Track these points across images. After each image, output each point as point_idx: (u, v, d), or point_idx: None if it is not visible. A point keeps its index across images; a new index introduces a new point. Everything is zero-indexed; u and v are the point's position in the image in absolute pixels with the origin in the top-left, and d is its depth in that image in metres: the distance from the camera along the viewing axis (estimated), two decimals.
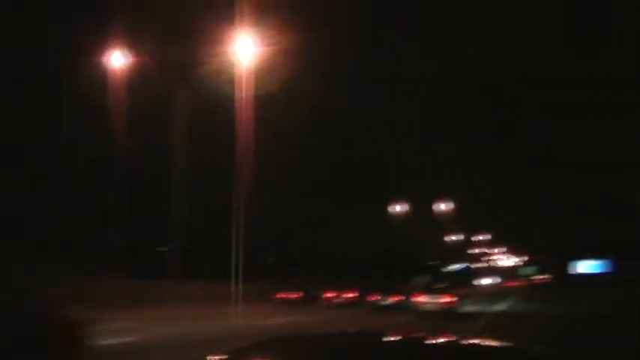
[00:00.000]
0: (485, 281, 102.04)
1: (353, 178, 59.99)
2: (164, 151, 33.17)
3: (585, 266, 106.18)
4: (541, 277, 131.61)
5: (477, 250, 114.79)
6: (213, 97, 30.41)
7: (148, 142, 35.06)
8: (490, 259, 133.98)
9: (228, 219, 28.86)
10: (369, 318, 29.39)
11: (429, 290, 33.17)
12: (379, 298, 36.20)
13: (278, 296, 40.21)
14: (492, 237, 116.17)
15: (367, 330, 4.55)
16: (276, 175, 39.77)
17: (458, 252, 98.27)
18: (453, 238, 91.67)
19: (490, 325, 23.17)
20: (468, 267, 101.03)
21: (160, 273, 32.47)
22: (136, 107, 31.43)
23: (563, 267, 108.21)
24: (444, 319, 25.76)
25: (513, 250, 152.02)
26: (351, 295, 40.08)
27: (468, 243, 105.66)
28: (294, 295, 40.59)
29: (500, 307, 36.04)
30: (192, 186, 35.21)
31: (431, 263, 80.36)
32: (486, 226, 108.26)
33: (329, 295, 40.75)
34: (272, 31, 28.44)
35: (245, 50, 28.34)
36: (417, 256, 71.60)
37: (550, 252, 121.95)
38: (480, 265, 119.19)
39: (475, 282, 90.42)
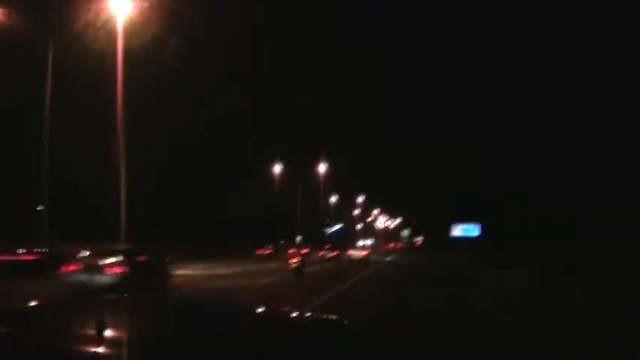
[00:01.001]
0: (368, 243, 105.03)
1: (227, 137, 59.26)
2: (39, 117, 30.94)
3: (459, 229, 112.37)
4: (418, 239, 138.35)
5: (356, 212, 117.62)
6: (86, 53, 29.08)
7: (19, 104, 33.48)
8: (369, 221, 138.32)
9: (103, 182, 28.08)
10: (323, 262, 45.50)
11: (354, 247, 54.11)
12: (325, 252, 53.18)
13: (257, 252, 52.00)
14: (369, 199, 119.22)
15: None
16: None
17: (338, 214, 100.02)
18: (333, 199, 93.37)
19: (384, 266, 40.44)
20: (345, 228, 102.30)
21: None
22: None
23: (438, 229, 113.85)
24: (364, 263, 43.60)
25: (390, 212, 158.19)
26: (304, 251, 51.71)
27: (347, 204, 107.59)
28: (267, 251, 52.89)
29: (388, 258, 55.71)
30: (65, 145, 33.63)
31: (318, 226, 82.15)
32: (364, 188, 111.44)
33: (290, 250, 50.96)
34: None
35: (120, 5, 27.39)
36: (300, 217, 72.19)
37: (425, 215, 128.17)
38: (360, 226, 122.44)
39: (359, 243, 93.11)
